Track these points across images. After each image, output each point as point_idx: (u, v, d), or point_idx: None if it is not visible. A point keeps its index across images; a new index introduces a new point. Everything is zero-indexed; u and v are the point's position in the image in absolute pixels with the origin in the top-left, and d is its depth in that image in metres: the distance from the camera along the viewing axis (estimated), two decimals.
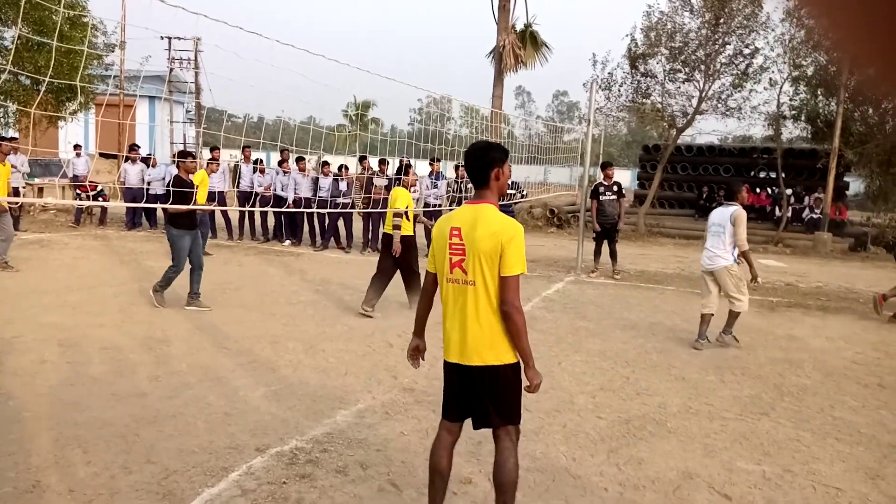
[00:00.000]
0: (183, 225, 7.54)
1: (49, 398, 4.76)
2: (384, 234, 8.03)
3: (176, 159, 8.18)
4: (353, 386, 5.28)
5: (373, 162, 13.27)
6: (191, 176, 7.74)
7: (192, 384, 5.17)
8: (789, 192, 18.36)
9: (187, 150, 8.94)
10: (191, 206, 7.34)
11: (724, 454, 4.29)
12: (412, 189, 8.86)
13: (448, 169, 15.16)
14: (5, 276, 8.87)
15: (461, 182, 12.28)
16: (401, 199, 7.76)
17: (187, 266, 7.66)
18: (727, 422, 4.86)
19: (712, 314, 6.96)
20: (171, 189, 7.18)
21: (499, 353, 2.95)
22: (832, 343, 7.32)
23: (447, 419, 3.15)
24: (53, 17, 13.86)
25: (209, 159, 11.68)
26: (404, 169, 8.56)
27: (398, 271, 7.88)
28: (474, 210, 3.01)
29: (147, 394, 4.92)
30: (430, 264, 3.19)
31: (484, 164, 3.03)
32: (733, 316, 7.00)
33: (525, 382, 3.03)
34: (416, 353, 3.31)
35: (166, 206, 7.27)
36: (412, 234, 7.93)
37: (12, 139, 10.21)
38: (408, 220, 7.80)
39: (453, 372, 3.05)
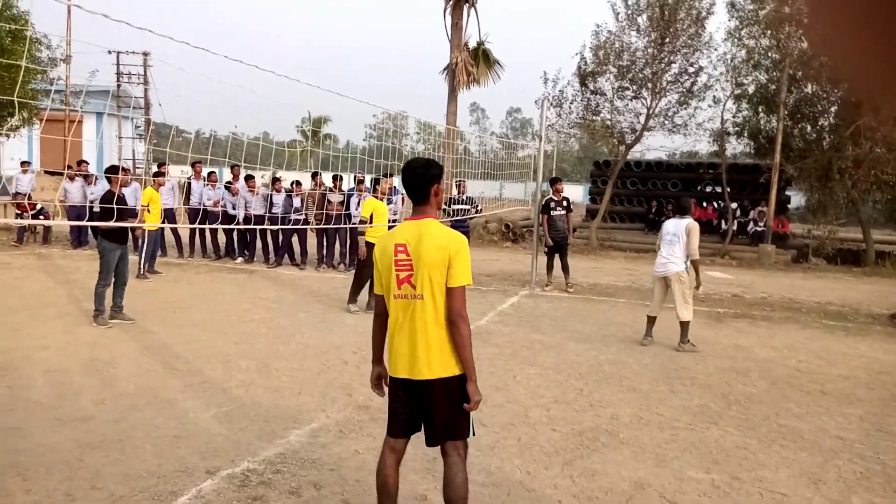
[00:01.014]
0: (115, 238, 7.56)
1: None
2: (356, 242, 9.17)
3: (105, 174, 8.17)
4: (308, 405, 5.22)
5: (327, 178, 13.18)
6: (124, 190, 7.89)
7: (140, 406, 5.03)
8: (734, 205, 18.94)
9: (115, 164, 8.82)
10: (135, 224, 7.29)
11: (674, 463, 4.38)
12: (384, 198, 9.24)
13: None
14: None
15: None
16: (365, 208, 8.65)
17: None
18: (677, 431, 4.96)
19: (655, 316, 7.63)
20: (102, 205, 7.33)
21: (448, 366, 2.97)
22: (777, 352, 7.55)
23: (392, 436, 3.13)
24: None
25: (154, 173, 11.51)
26: (375, 181, 9.47)
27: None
28: (418, 225, 3.04)
29: (92, 417, 4.77)
30: (377, 285, 3.16)
31: (424, 180, 3.07)
32: (683, 326, 7.41)
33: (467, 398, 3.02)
34: (380, 380, 3.23)
35: (108, 224, 7.13)
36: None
37: None
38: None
39: (400, 388, 3.05)
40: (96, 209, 12.44)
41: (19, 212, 14.36)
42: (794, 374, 6.65)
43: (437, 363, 2.96)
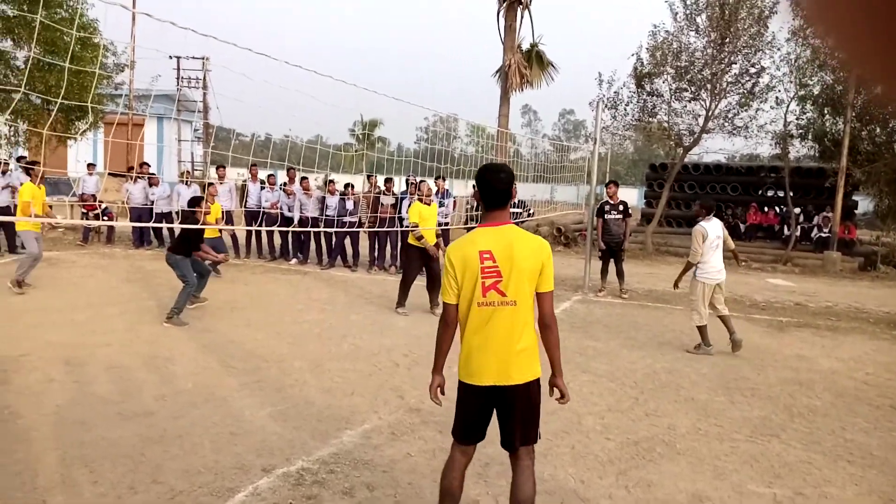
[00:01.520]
0: (182, 252, 7.97)
1: (55, 417, 4.76)
2: (406, 244, 9.29)
3: (189, 206, 8.57)
4: (360, 406, 5.25)
5: (380, 180, 13.29)
6: (181, 190, 8.47)
7: (198, 403, 5.15)
8: (797, 210, 18.29)
9: (198, 196, 9.27)
10: (200, 225, 7.56)
11: (734, 476, 4.23)
12: (428, 200, 9.25)
13: (455, 187, 15.17)
14: (13, 295, 8.90)
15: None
16: (412, 213, 8.86)
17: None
18: (737, 443, 4.80)
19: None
20: (183, 227, 7.90)
21: (533, 370, 3.04)
22: (843, 364, 7.24)
23: (464, 442, 3.13)
24: (65, 37, 14.04)
25: (209, 183, 11.70)
26: (417, 186, 9.75)
27: (422, 277, 9.13)
28: (501, 231, 3.01)
29: (153, 413, 4.91)
30: (451, 295, 3.04)
31: (509, 185, 3.05)
32: (727, 322, 7.52)
33: (556, 394, 3.16)
34: (439, 390, 3.17)
35: (179, 226, 7.68)
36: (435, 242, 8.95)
37: (34, 163, 10.35)
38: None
39: (483, 395, 3.01)
40: (158, 210, 12.89)
41: (85, 211, 14.93)
42: (861, 388, 6.36)
43: (526, 368, 3.00)
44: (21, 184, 12.40)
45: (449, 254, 3.06)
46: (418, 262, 8.92)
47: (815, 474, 4.33)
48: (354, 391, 5.61)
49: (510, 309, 2.94)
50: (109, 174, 22.30)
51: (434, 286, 8.87)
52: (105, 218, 14.61)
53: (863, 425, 5.32)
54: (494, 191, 3.04)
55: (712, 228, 7.42)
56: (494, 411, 3.08)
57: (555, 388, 3.14)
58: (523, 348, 2.97)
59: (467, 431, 3.11)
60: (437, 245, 8.91)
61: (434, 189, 10.52)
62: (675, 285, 7.81)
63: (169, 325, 7.59)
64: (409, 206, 10.00)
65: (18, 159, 13.61)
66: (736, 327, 7.53)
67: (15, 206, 12.43)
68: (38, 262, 9.52)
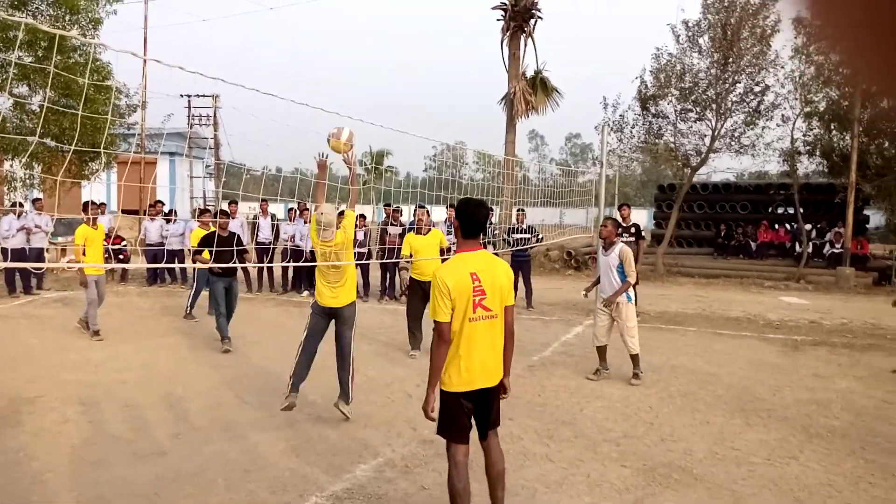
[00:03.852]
0: (217, 272, 8.31)
1: (71, 457, 4.78)
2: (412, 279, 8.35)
3: (218, 217, 8.97)
4: (373, 439, 5.24)
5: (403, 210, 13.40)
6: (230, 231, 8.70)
7: (213, 440, 5.17)
8: (808, 227, 18.20)
9: (223, 209, 9.41)
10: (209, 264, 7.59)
11: (752, 501, 4.18)
12: (426, 229, 8.71)
13: None
14: (31, 335, 8.98)
15: (489, 227, 12.42)
16: (404, 245, 8.48)
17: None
18: (755, 467, 4.75)
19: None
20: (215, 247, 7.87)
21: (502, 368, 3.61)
22: (861, 382, 7.15)
23: (464, 443, 3.54)
24: (79, 81, 14.36)
25: (201, 211, 11.79)
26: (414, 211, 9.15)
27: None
28: (481, 256, 3.56)
29: (168, 452, 4.93)
30: (445, 314, 3.40)
31: (486, 220, 3.64)
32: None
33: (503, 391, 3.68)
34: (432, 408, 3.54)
35: (190, 265, 7.72)
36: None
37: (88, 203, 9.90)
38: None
39: (472, 398, 3.50)
40: (170, 247, 13.01)
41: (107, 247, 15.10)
42: (881, 406, 6.27)
43: (501, 368, 3.57)
44: (35, 226, 12.57)
45: (443, 276, 3.43)
46: (420, 296, 8.08)
47: (836, 497, 4.27)
48: (368, 423, 5.61)
49: (493, 321, 3.48)
50: (123, 212, 22.62)
51: None
52: (121, 257, 14.78)
53: (884, 445, 5.24)
54: (475, 223, 3.57)
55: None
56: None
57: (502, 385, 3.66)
58: (500, 353, 3.54)
59: (464, 433, 3.54)
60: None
61: (429, 218, 9.82)
62: (586, 293, 7.60)
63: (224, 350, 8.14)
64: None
65: (34, 202, 13.83)
66: (751, 347, 7.46)
67: (30, 248, 12.63)
68: (101, 304, 9.35)
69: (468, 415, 3.51)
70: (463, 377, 3.43)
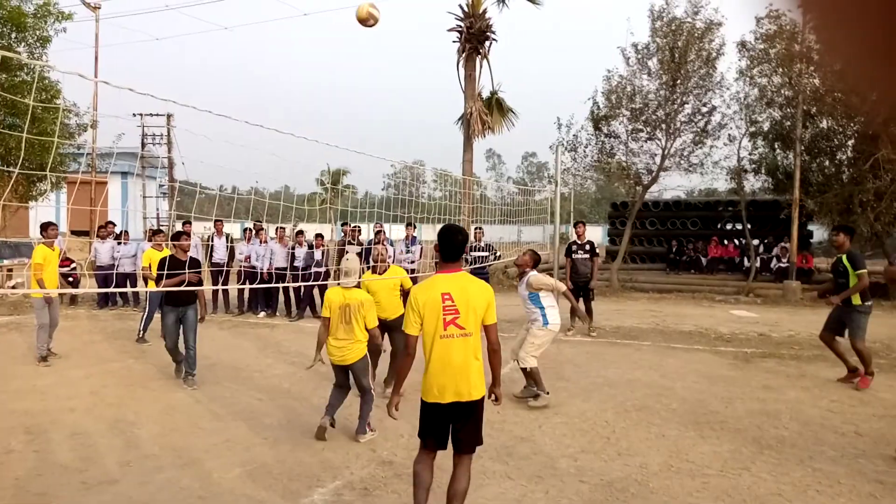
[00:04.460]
0: (168, 301, 7.63)
1: (14, 490, 4.60)
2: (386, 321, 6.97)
3: (170, 241, 8.14)
4: (331, 461, 5.19)
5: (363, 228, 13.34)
6: (187, 254, 7.74)
7: (165, 467, 5.04)
8: (756, 242, 18.78)
9: (180, 230, 8.75)
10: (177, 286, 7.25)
11: None
12: (384, 267, 7.37)
13: (424, 233, 15.24)
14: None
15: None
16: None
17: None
18: (709, 479, 4.85)
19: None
20: (167, 271, 7.26)
21: (482, 388, 3.78)
22: (808, 392, 7.38)
23: (428, 449, 3.83)
24: (26, 100, 13.99)
25: (155, 232, 11.25)
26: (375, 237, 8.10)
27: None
28: (458, 277, 3.81)
29: (118, 480, 4.79)
30: (414, 327, 3.75)
31: (464, 245, 3.91)
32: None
33: (494, 399, 4.02)
34: (395, 408, 3.90)
35: (143, 289, 7.29)
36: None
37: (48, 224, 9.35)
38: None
39: (444, 411, 3.72)
40: (122, 270, 12.69)
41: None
42: (826, 416, 6.48)
43: (479, 386, 3.75)
44: None
45: (415, 293, 3.81)
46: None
47: None
48: (325, 446, 5.54)
49: (466, 339, 3.72)
50: (72, 233, 22.00)
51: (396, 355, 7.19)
52: (69, 280, 14.34)
53: (830, 453, 5.41)
54: (453, 247, 3.86)
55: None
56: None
57: (493, 394, 3.99)
58: (475, 371, 3.73)
59: (432, 440, 3.80)
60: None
61: (389, 250, 8.86)
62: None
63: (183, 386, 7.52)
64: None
65: None
66: (704, 360, 7.63)
67: None
68: (55, 328, 8.99)
69: (438, 424, 3.76)
70: (433, 391, 3.71)
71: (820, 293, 8.29)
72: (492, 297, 3.84)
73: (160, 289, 7.37)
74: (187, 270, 7.47)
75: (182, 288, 7.28)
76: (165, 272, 7.27)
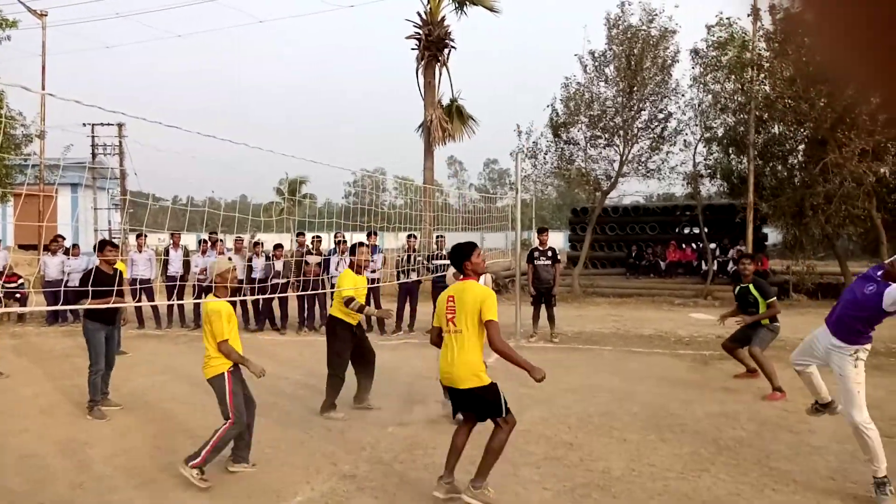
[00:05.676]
0: (97, 318, 6.91)
1: None
2: (330, 317, 7.00)
3: (95, 252, 7.35)
4: (291, 477, 5.09)
5: (308, 239, 13.17)
6: (114, 268, 7.13)
7: (119, 488, 4.88)
8: (713, 245, 19.16)
9: (105, 239, 8.13)
10: (111, 304, 6.77)
11: None
12: (365, 266, 7.25)
13: (386, 241, 15.17)
14: None
15: (413, 254, 12.38)
16: (346, 281, 6.89)
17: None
18: (669, 481, 4.89)
19: None
20: (91, 287, 6.47)
21: (473, 381, 4.42)
22: (765, 392, 7.52)
23: (466, 419, 4.72)
24: None
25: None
26: (353, 248, 7.32)
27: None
28: (462, 285, 4.61)
29: (70, 503, 4.61)
30: (436, 321, 4.76)
31: (460, 258, 4.68)
32: None
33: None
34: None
35: (91, 305, 6.65)
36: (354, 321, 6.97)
37: None
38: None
39: (450, 391, 4.65)
40: (73, 284, 12.28)
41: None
42: (782, 415, 6.62)
43: (466, 378, 4.42)
44: None
45: (439, 296, 4.74)
46: (349, 342, 6.86)
47: None
48: (285, 461, 5.44)
49: (459, 335, 4.46)
50: (19, 247, 21.28)
51: (367, 370, 7.04)
52: (17, 297, 13.84)
53: (785, 452, 5.52)
54: (454, 262, 4.78)
55: None
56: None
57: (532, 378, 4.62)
58: (461, 362, 4.41)
59: (460, 412, 4.79)
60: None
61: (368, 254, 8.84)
62: None
63: (92, 419, 6.78)
64: (339, 264, 9.63)
65: None
66: (664, 363, 7.71)
67: None
68: None
69: (455, 402, 4.76)
70: (441, 375, 4.62)
71: (723, 319, 8.49)
72: (486, 297, 4.43)
73: (86, 306, 6.70)
74: (115, 287, 6.84)
75: (110, 305, 6.74)
76: (90, 288, 6.46)
